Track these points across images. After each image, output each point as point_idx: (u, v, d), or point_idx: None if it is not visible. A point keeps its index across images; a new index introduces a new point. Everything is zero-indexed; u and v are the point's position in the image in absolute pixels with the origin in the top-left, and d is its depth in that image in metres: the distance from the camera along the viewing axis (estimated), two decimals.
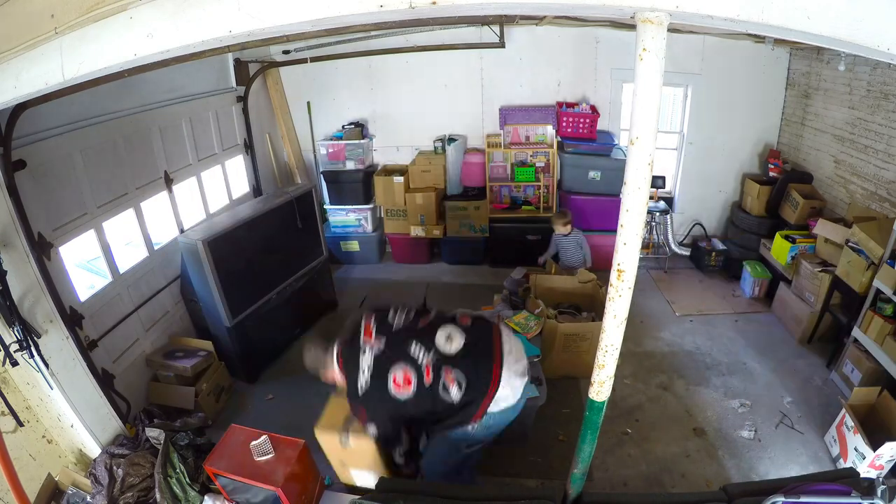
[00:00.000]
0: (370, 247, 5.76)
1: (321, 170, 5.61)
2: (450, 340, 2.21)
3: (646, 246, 5.55)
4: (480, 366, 2.21)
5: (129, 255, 3.68)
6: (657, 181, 5.46)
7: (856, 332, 3.49)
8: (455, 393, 2.15)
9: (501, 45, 4.93)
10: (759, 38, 4.65)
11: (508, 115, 5.28)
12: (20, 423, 2.61)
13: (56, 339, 2.75)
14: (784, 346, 4.18)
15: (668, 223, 5.51)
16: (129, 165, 3.54)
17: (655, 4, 1.18)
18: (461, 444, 2.39)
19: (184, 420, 3.10)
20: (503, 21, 4.73)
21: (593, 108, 5.17)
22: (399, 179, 5.37)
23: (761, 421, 3.44)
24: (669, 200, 5.60)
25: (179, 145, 4.08)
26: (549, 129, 5.24)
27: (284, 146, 5.73)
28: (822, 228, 4.09)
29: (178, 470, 2.71)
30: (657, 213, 5.39)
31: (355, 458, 2.51)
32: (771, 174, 5.03)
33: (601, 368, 1.78)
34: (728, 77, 5.08)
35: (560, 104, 5.29)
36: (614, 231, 1.61)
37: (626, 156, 1.49)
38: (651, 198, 5.42)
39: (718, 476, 3.05)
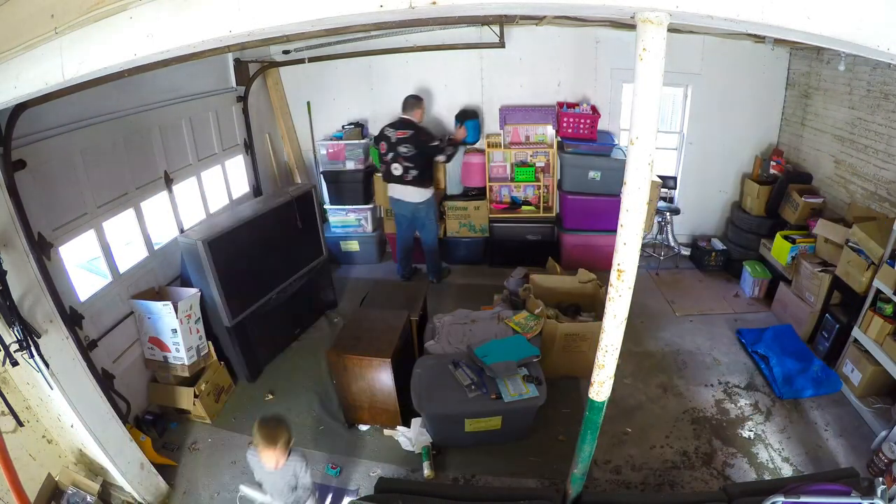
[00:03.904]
0: (370, 247, 5.76)
1: (321, 170, 5.60)
2: None
3: (654, 246, 5.56)
4: None
5: (129, 255, 3.67)
6: (668, 181, 5.48)
7: (856, 332, 3.50)
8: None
9: (501, 45, 4.93)
10: (759, 38, 4.65)
11: (508, 115, 5.28)
12: (20, 423, 2.61)
13: (56, 339, 2.74)
14: None
15: (671, 223, 5.52)
16: (129, 165, 3.54)
17: (655, 4, 1.18)
18: None
19: None
20: (503, 21, 4.72)
21: (594, 109, 5.17)
22: None
23: (761, 421, 3.45)
24: (669, 200, 5.60)
25: (179, 145, 4.08)
26: (549, 129, 5.24)
27: (284, 146, 5.73)
28: (822, 228, 4.10)
29: None
30: (667, 214, 5.40)
31: None
32: (772, 171, 5.03)
33: (601, 368, 1.78)
34: (728, 77, 5.08)
35: (560, 104, 5.29)
36: (614, 231, 1.61)
37: (626, 156, 1.49)
38: (662, 198, 5.42)
39: (719, 476, 3.05)
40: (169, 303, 3.38)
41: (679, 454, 3.21)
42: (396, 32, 4.95)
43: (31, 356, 2.51)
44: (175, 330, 3.42)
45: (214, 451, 3.38)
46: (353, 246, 5.75)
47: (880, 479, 1.75)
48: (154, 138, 3.79)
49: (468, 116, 5.28)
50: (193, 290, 3.61)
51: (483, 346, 3.34)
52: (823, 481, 2.06)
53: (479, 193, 5.50)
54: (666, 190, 5.47)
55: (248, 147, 5.08)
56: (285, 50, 5.11)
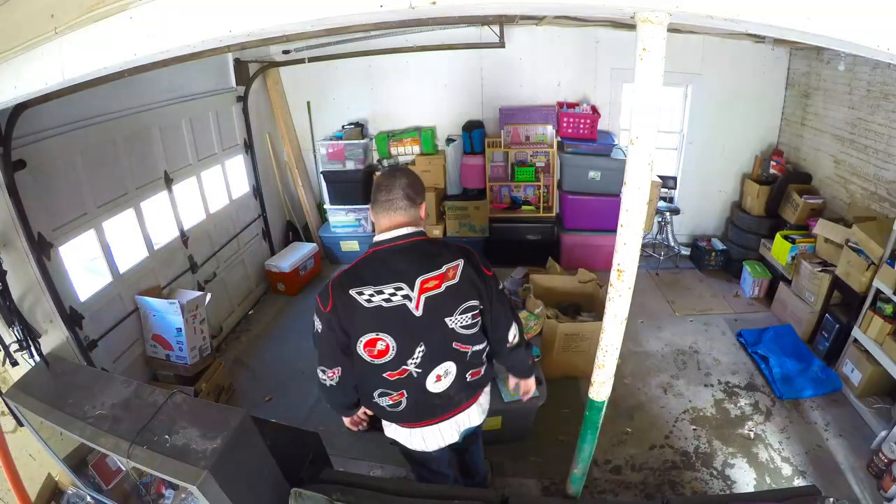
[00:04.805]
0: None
1: (321, 170, 5.60)
2: None
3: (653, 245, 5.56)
4: None
5: (130, 254, 3.67)
6: (668, 181, 5.48)
7: (856, 332, 3.49)
8: None
9: (501, 45, 4.93)
10: (759, 38, 4.65)
11: (508, 115, 5.28)
12: (20, 423, 2.60)
13: (56, 339, 2.75)
14: None
15: (671, 223, 5.52)
16: (129, 165, 3.53)
17: (655, 4, 1.18)
18: None
19: None
20: (503, 21, 4.73)
21: (594, 109, 5.17)
22: None
23: (761, 421, 3.45)
24: (669, 200, 5.60)
25: (179, 145, 4.08)
26: (549, 129, 5.24)
27: (284, 146, 5.73)
28: (822, 228, 4.09)
29: None
30: (667, 214, 5.40)
31: None
32: (772, 171, 5.03)
33: (601, 368, 1.78)
34: (728, 77, 5.08)
35: (560, 104, 5.29)
36: (614, 231, 1.61)
37: (626, 156, 1.49)
38: (662, 198, 5.41)
39: (719, 476, 3.05)
40: (176, 301, 3.39)
41: (679, 454, 3.21)
42: (396, 32, 4.94)
43: (31, 356, 2.51)
44: (180, 329, 3.43)
45: None
46: (353, 246, 5.75)
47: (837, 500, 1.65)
48: (154, 138, 3.79)
49: (473, 127, 5.35)
50: (200, 292, 3.60)
51: None
52: (773, 500, 1.81)
53: (478, 193, 5.49)
54: (666, 190, 5.47)
55: (248, 147, 5.08)
56: (285, 50, 5.11)
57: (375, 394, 1.87)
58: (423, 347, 1.78)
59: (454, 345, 1.82)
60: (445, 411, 1.95)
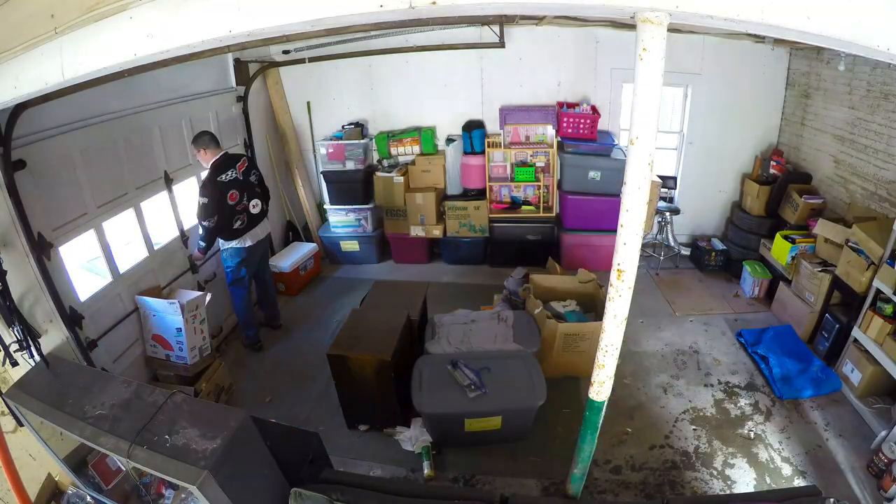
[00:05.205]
0: (370, 247, 5.76)
1: (321, 170, 5.60)
2: None
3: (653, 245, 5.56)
4: None
5: (130, 254, 3.67)
6: (668, 181, 5.48)
7: (856, 332, 3.50)
8: None
9: (501, 45, 4.93)
10: (759, 38, 4.65)
11: (508, 115, 5.28)
12: (20, 423, 2.61)
13: (56, 339, 2.75)
14: None
15: (671, 223, 5.52)
16: (129, 165, 3.54)
17: (655, 4, 1.18)
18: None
19: None
20: (503, 21, 4.73)
21: (594, 109, 5.17)
22: (399, 179, 5.37)
23: (761, 421, 3.45)
24: (669, 200, 5.60)
25: (179, 145, 4.08)
26: (549, 129, 5.24)
27: (284, 146, 5.73)
28: (822, 228, 4.09)
29: None
30: (667, 214, 5.40)
31: None
32: (772, 171, 5.03)
33: (601, 368, 1.78)
34: (728, 77, 5.08)
35: (560, 104, 5.29)
36: (614, 231, 1.61)
37: (626, 156, 1.49)
38: (662, 198, 5.41)
39: (719, 476, 3.05)
40: (176, 301, 3.40)
41: (679, 454, 3.21)
42: (396, 32, 4.95)
43: (31, 356, 2.51)
44: (180, 329, 3.43)
45: None
46: (353, 246, 5.75)
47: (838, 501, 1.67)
48: (154, 138, 3.79)
49: (473, 127, 5.36)
50: (200, 292, 3.61)
51: None
52: (773, 501, 1.89)
53: (478, 193, 5.50)
54: (666, 190, 5.47)
55: (248, 147, 5.08)
56: (285, 50, 5.12)
57: (234, 221, 3.87)
58: (246, 195, 3.94)
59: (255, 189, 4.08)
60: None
